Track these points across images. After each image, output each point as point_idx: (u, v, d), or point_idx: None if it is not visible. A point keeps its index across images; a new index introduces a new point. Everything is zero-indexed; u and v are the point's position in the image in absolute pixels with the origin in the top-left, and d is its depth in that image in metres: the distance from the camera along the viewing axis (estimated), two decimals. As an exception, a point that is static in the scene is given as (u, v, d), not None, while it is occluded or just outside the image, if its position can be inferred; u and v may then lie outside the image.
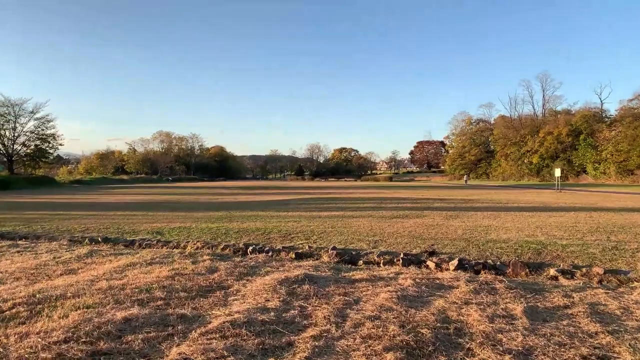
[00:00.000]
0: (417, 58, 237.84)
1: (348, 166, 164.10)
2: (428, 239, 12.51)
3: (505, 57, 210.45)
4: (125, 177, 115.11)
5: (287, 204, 26.21)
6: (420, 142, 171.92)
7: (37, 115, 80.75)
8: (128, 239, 14.57)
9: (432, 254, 11.09)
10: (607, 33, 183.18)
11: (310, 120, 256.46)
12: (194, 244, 13.45)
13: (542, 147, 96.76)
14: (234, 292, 6.70)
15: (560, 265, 9.62)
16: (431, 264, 10.72)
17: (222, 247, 13.03)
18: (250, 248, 12.55)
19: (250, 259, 9.87)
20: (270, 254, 12.37)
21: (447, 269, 10.38)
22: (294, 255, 11.99)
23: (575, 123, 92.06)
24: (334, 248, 11.90)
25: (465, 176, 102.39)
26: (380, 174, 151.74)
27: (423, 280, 7.32)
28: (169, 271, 8.11)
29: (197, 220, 17.91)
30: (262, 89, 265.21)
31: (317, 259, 11.74)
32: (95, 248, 11.97)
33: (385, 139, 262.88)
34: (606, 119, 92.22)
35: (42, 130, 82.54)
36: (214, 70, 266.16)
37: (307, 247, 12.30)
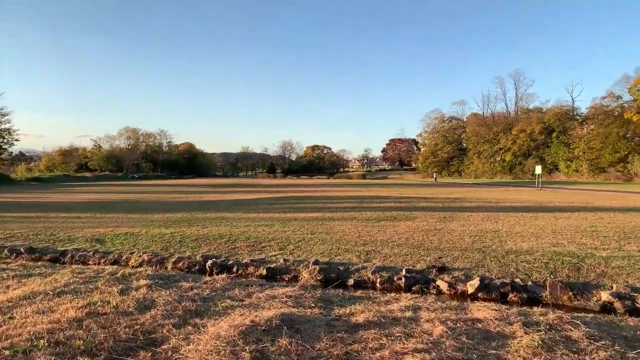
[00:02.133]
0: (391, 55, 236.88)
1: (320, 164, 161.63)
2: (432, 248, 10.18)
3: (478, 55, 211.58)
4: (88, 174, 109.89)
5: (257, 204, 23.59)
6: (392, 140, 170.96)
7: (-11, 109, 75.34)
8: (59, 249, 11.76)
9: (441, 270, 8.74)
10: (579, 31, 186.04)
11: (283, 117, 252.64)
12: (139, 257, 10.77)
13: (514, 144, 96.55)
14: (169, 356, 4.15)
15: (612, 287, 7.41)
16: (442, 285, 8.38)
17: (173, 260, 10.41)
18: (210, 262, 9.97)
19: (206, 283, 7.27)
20: (235, 270, 9.81)
21: (466, 292, 8.07)
22: (264, 272, 9.48)
23: (548, 121, 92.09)
24: (316, 262, 9.42)
25: (435, 174, 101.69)
26: (353, 171, 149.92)
27: (459, 325, 4.91)
28: (80, 308, 5.49)
29: (151, 224, 15.14)
30: (235, 85, 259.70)
31: (294, 278, 9.26)
32: (2, 266, 9.14)
33: (358, 136, 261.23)
34: (578, 117, 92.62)
35: (-4, 124, 77.14)
36: (186, 67, 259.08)
37: (281, 260, 9.79)
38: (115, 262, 10.81)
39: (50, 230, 14.29)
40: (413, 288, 8.39)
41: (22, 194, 37.09)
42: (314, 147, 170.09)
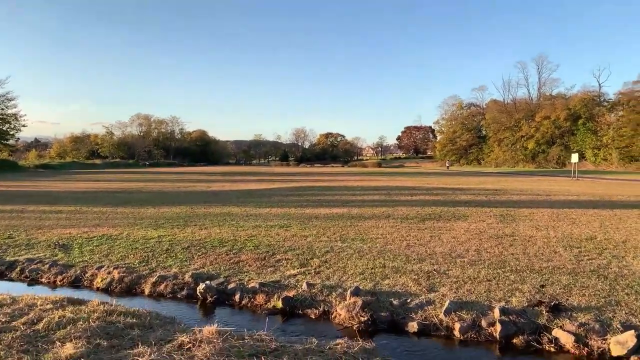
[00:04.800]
0: (407, 40, 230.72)
1: (334, 151, 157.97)
2: (522, 269, 7.09)
3: (500, 39, 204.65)
4: (98, 161, 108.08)
5: (270, 196, 20.57)
6: (408, 128, 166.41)
7: (-5, 93, 73.11)
8: (7, 259, 8.89)
9: (555, 309, 5.62)
10: (606, 15, 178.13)
11: (297, 104, 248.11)
12: (107, 274, 7.84)
13: (538, 132, 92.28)
14: None
15: None
16: (564, 337, 5.26)
17: (153, 281, 7.45)
18: (203, 286, 6.99)
19: (180, 349, 4.21)
20: (237, 298, 6.80)
21: (606, 352, 4.98)
22: (280, 304, 6.47)
23: (574, 107, 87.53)
24: (356, 291, 6.36)
25: (447, 162, 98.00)
26: (368, 159, 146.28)
27: None
28: None
29: (138, 223, 12.22)
30: (248, 73, 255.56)
31: (324, 315, 6.23)
32: None
33: (372, 124, 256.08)
34: (605, 103, 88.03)
35: (2, 109, 74.93)
36: (200, 53, 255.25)
37: (304, 285, 6.77)
38: (75, 280, 7.92)
39: (13, 229, 11.46)
40: (514, 340, 5.32)
41: (18, 182, 34.57)
42: (327, 135, 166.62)
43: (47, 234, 10.80)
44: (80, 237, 10.44)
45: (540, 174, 54.55)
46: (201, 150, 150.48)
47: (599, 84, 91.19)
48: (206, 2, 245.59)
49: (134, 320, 4.86)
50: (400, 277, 6.93)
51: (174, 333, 4.67)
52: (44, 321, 4.68)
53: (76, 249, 9.34)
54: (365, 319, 5.84)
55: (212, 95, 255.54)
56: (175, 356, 3.94)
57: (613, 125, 78.16)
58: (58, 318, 4.77)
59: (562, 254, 7.95)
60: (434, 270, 7.17)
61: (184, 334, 4.43)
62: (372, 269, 7.36)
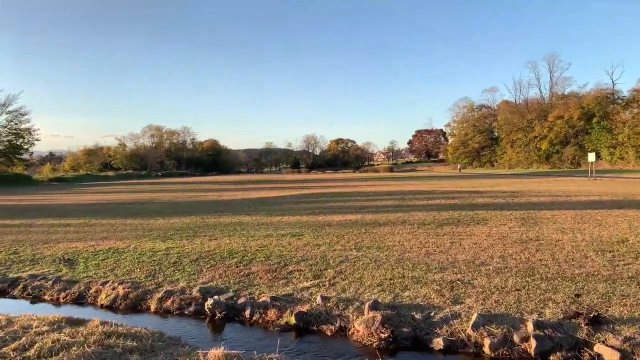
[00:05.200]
0: (416, 42, 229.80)
1: (345, 157, 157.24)
2: (553, 277, 6.59)
3: (509, 38, 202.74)
4: (111, 173, 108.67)
5: (281, 203, 20.18)
6: (418, 131, 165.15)
7: (10, 109, 73.90)
8: (10, 275, 8.58)
9: (595, 321, 5.12)
10: (617, 11, 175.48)
11: (307, 111, 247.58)
12: (112, 290, 7.49)
13: (551, 132, 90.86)
14: None
15: None
16: (608, 354, 4.79)
17: (159, 297, 7.07)
18: (211, 302, 6.59)
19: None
20: (247, 314, 6.39)
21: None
22: (293, 320, 6.04)
23: (587, 105, 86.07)
24: (375, 305, 5.91)
25: (459, 165, 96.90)
26: (379, 164, 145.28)
27: None
28: None
29: (147, 235, 11.89)
30: (260, 81, 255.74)
31: (341, 331, 5.79)
32: None
33: (383, 129, 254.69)
34: (619, 100, 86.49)
35: (16, 124, 75.78)
36: (209, 62, 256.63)
37: (318, 298, 6.33)
38: (79, 297, 7.58)
39: (19, 244, 11.20)
40: (551, 357, 4.83)
41: (31, 196, 34.64)
42: (338, 141, 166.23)
43: (53, 249, 10.51)
44: (87, 250, 10.12)
45: (555, 174, 53.58)
46: (213, 160, 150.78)
47: (613, 82, 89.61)
48: (210, 10, 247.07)
49: (134, 344, 4.46)
50: (421, 288, 6.46)
51: (177, 357, 4.26)
52: (35, 346, 4.31)
53: (81, 264, 9.01)
54: (386, 335, 5.38)
55: (222, 104, 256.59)
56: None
57: (628, 123, 76.76)
58: (52, 343, 4.39)
59: (595, 259, 7.41)
60: (458, 279, 6.68)
61: (187, 359, 4.02)
62: (390, 279, 6.90)
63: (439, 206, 16.38)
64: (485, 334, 5.18)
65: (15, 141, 77.79)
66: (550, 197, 19.04)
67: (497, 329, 5.21)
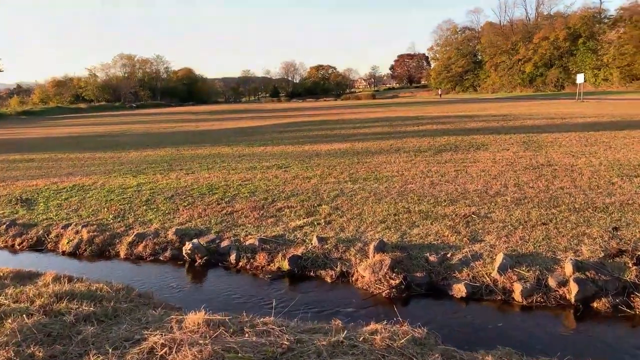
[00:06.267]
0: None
1: (326, 85, 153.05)
2: (583, 207, 5.79)
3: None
4: (83, 105, 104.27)
5: (263, 133, 19.00)
6: (401, 56, 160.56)
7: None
8: (-42, 221, 7.47)
9: (643, 261, 4.37)
10: None
11: (285, 37, 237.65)
12: (75, 234, 6.51)
13: (536, 54, 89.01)
14: None
15: None
16: (671, 301, 4.06)
17: (129, 241, 6.12)
18: (190, 246, 5.66)
19: (166, 347, 2.87)
20: (232, 259, 5.52)
21: None
22: (286, 265, 5.19)
23: (574, 25, 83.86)
24: (381, 246, 5.07)
25: (439, 90, 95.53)
26: (360, 91, 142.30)
27: None
28: None
29: (116, 170, 10.77)
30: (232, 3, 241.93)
31: (342, 276, 4.98)
32: None
33: (364, 54, 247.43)
34: (606, 20, 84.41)
35: (-25, 54, 71.19)
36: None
37: (314, 239, 5.45)
38: (38, 242, 6.60)
39: (-27, 184, 10.00)
40: (595, 304, 4.09)
41: (-4, 131, 32.62)
42: (318, 67, 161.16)
43: (10, 187, 9.37)
44: (48, 189, 9.01)
45: (540, 98, 52.87)
46: (188, 90, 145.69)
47: (600, 0, 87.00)
48: None
49: (91, 309, 3.54)
50: (432, 224, 5.62)
51: (145, 325, 3.35)
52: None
53: (41, 204, 7.95)
54: (397, 282, 4.56)
55: (196, 29, 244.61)
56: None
57: (614, 43, 75.38)
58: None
59: (622, 186, 6.62)
60: (473, 213, 5.84)
61: (157, 332, 3.12)
62: (394, 215, 6.03)
63: (432, 132, 15.43)
64: (514, 277, 4.40)
65: (-24, 73, 73.43)
66: (544, 120, 18.20)
67: (528, 271, 4.43)
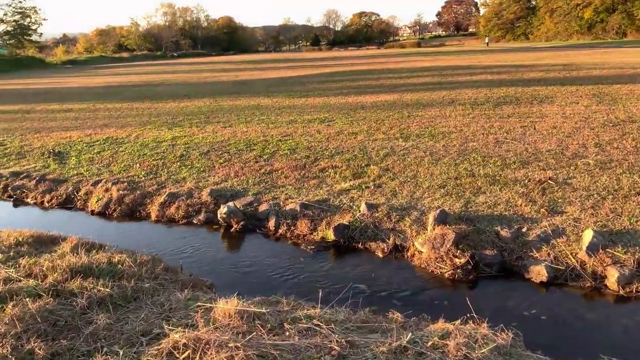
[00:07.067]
0: None
1: (368, 33, 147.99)
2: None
3: None
4: (125, 54, 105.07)
5: (304, 83, 18.12)
6: (448, 2, 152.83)
7: (9, -16, 69.50)
8: (-9, 173, 7.22)
9: None
10: None
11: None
12: (105, 191, 6.09)
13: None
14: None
15: None
16: None
17: (161, 201, 5.65)
18: (225, 210, 5.11)
19: (189, 348, 2.33)
20: (271, 225, 4.95)
21: None
22: (331, 235, 4.57)
23: (643, -37, 76.77)
24: (442, 217, 4.33)
25: (486, 38, 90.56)
26: (405, 40, 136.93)
27: None
28: None
29: (152, 122, 10.33)
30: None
31: (396, 250, 4.32)
32: None
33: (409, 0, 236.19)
34: (681, -43, 76.54)
35: (20, 1, 71.85)
36: None
37: (363, 206, 4.78)
38: (67, 200, 6.22)
39: (8, 133, 9.81)
40: None
41: (41, 79, 33.02)
42: (360, 14, 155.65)
43: (44, 139, 9.08)
44: (81, 141, 8.66)
45: (600, 46, 48.92)
46: (229, 39, 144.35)
47: None
48: None
49: (107, 290, 3.04)
50: (500, 191, 4.82)
51: (167, 314, 2.83)
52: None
53: (73, 158, 7.59)
54: (463, 261, 3.86)
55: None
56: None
57: (689, -16, 68.70)
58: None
59: None
60: (550, 179, 4.98)
61: (180, 328, 2.58)
62: (455, 179, 5.25)
63: (487, 82, 14.17)
64: (607, 260, 3.61)
65: (22, 21, 74.48)
66: (613, 70, 16.46)
67: (625, 253, 3.63)
